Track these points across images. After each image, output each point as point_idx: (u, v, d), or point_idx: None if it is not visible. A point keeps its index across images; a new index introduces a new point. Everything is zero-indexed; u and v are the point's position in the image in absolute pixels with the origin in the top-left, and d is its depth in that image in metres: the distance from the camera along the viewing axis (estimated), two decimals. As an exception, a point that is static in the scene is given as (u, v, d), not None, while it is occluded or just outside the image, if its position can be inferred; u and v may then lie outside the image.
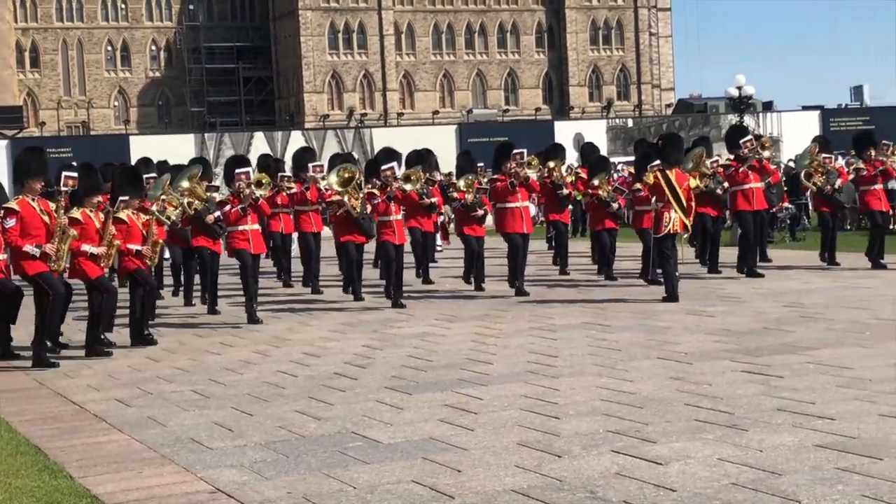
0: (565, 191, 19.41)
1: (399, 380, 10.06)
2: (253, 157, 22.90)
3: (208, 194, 15.92)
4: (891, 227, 24.02)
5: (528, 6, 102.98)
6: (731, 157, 18.62)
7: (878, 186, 18.55)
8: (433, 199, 18.30)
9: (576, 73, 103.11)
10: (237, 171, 15.18)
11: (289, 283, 19.63)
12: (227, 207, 15.01)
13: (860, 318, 12.58)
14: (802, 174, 19.53)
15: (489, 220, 17.96)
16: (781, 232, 25.53)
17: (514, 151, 17.09)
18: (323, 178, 18.47)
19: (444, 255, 23.48)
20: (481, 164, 20.95)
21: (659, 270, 16.41)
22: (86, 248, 12.28)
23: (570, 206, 21.09)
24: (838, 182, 19.03)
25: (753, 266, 17.77)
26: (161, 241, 13.97)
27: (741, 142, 18.07)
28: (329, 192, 17.07)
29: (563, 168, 21.18)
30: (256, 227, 15.14)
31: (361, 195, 16.14)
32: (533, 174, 17.40)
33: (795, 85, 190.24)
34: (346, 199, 16.13)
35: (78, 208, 12.52)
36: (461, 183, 17.78)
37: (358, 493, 6.51)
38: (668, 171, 15.20)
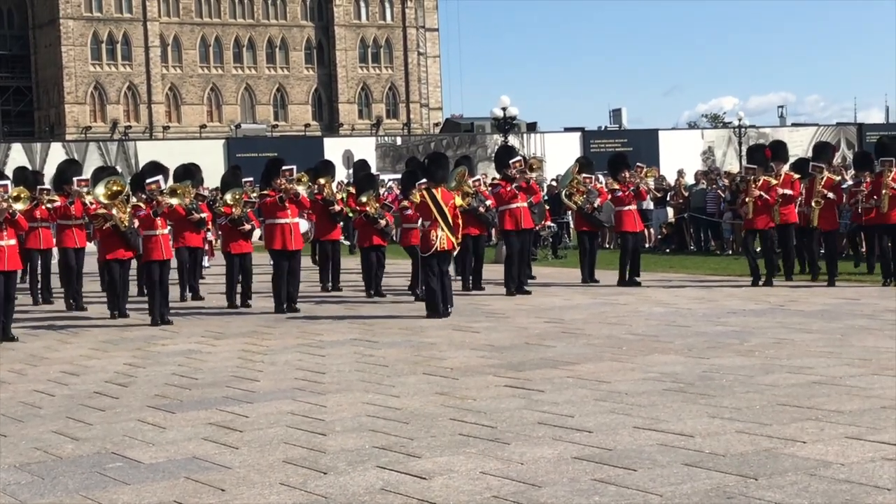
0: (336, 207, 19.45)
1: (162, 398, 9.87)
2: (9, 170, 22.07)
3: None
4: (645, 245, 24.99)
5: (297, 22, 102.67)
6: (500, 176, 19.00)
7: (632, 207, 19.24)
8: (202, 215, 18.08)
9: (345, 91, 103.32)
10: (-7, 184, 14.59)
11: (48, 300, 18.99)
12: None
13: (617, 333, 13.03)
14: (564, 194, 20.13)
15: (256, 235, 17.85)
16: (544, 249, 26.21)
17: (284, 168, 17.06)
18: (88, 193, 17.97)
19: (212, 272, 23.16)
20: (250, 179, 20.79)
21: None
22: None
23: (342, 223, 21.10)
24: (598, 201, 19.68)
25: (524, 283, 18.15)
26: None
27: (510, 162, 18.47)
28: (94, 205, 16.64)
29: (334, 185, 21.21)
30: (13, 242, 14.57)
31: (129, 209, 15.80)
32: (303, 190, 17.39)
33: (558, 107, 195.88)
34: (114, 212, 15.76)
35: None
36: (228, 197, 17.61)
37: (118, 514, 6.36)
38: (433, 190, 15.41)
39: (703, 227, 27.72)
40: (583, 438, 7.69)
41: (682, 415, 8.35)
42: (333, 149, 49.13)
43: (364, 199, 18.54)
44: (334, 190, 20.43)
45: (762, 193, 17.99)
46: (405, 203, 17.68)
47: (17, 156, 43.56)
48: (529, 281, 18.96)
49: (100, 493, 6.77)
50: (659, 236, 28.96)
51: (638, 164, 20.43)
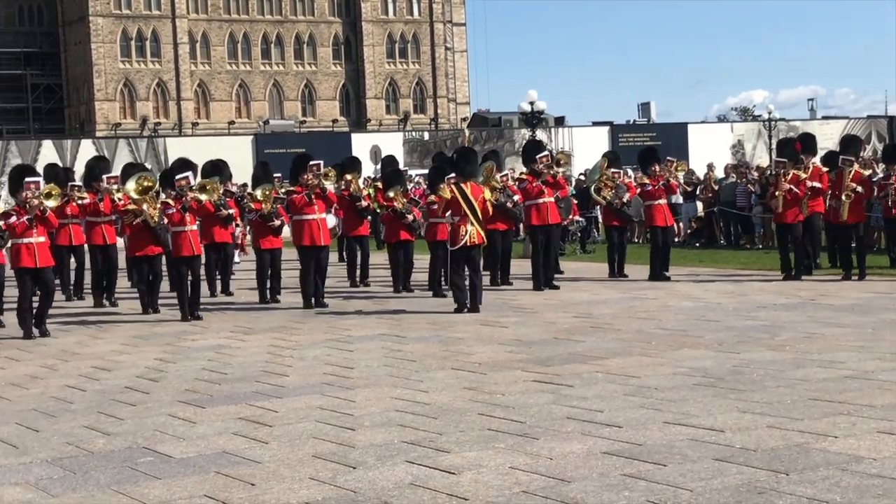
0: (363, 203, 19.48)
1: (192, 393, 9.91)
2: (40, 166, 22.21)
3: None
4: (675, 240, 24.89)
5: (325, 18, 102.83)
6: (526, 171, 18.97)
7: (662, 201, 19.17)
8: (230, 211, 18.14)
9: (373, 86, 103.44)
10: (27, 180, 14.66)
11: (80, 296, 19.08)
12: (13, 219, 14.48)
13: (646, 328, 12.99)
14: (593, 188, 20.09)
15: (286, 231, 17.90)
16: (572, 244, 26.16)
17: (311, 163, 17.09)
18: (117, 191, 18.06)
19: (242, 267, 23.22)
20: (279, 175, 20.83)
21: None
22: None
23: (370, 218, 21.15)
24: (627, 196, 19.63)
25: (551, 279, 18.11)
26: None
27: (537, 157, 18.44)
28: (123, 201, 16.74)
29: (361, 180, 21.23)
30: (43, 239, 14.67)
31: (159, 205, 15.88)
32: (330, 186, 17.43)
33: (586, 101, 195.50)
34: (144, 207, 15.83)
35: None
36: (258, 193, 17.66)
37: (149, 509, 6.39)
38: (462, 185, 15.40)
39: (732, 221, 27.62)
40: (612, 433, 7.68)
41: (713, 410, 8.32)
42: (361, 144, 49.13)
43: (392, 194, 18.56)
44: (361, 185, 20.44)
45: (792, 187, 17.87)
46: (432, 198, 17.68)
47: (48, 153, 43.78)
48: (557, 276, 18.93)
49: (131, 488, 6.81)
50: (688, 230, 28.86)
51: (668, 157, 20.37)
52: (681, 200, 27.70)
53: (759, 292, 16.44)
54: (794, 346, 11.17)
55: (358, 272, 19.96)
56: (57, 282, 19.23)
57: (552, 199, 18.21)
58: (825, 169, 18.77)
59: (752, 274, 19.48)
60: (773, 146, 51.00)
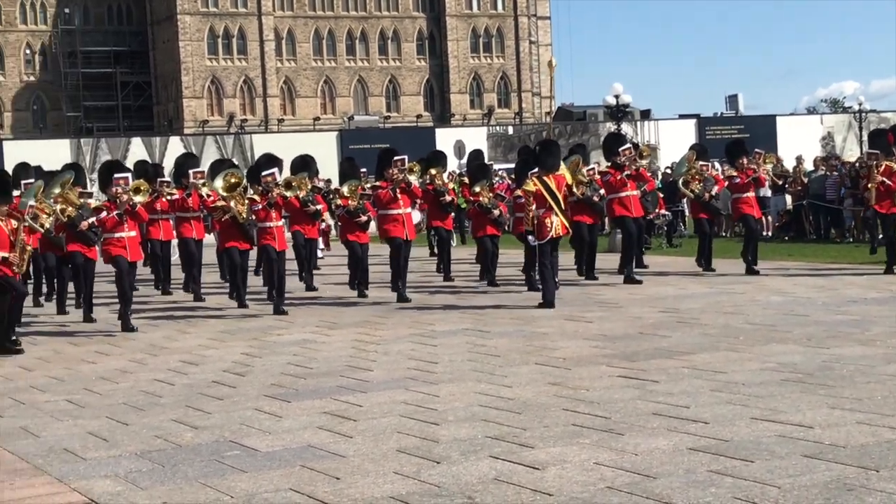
0: (448, 197, 19.51)
1: (278, 387, 9.99)
2: (130, 163, 22.55)
3: (81, 200, 15.63)
4: (764, 233, 24.60)
5: (409, 13, 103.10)
6: (609, 164, 18.87)
7: (751, 194, 18.94)
8: (318, 206, 18.24)
9: (457, 81, 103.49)
10: (116, 175, 14.93)
11: (167, 291, 19.36)
12: (104, 214, 14.75)
13: (733, 323, 12.84)
14: (680, 181, 19.89)
15: (372, 226, 17.98)
16: (658, 238, 25.95)
17: (396, 158, 17.14)
18: (204, 185, 18.29)
19: (326, 262, 23.39)
20: (364, 171, 20.96)
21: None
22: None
23: (454, 213, 21.18)
24: (715, 189, 19.41)
25: (631, 273, 17.99)
26: (30, 247, 13.67)
27: (620, 150, 18.32)
28: (211, 197, 16.93)
29: (445, 175, 21.27)
30: (133, 233, 14.93)
31: (246, 201, 16.05)
32: (415, 180, 17.47)
33: (672, 93, 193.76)
34: (232, 203, 16.00)
35: None
36: (345, 189, 17.75)
37: (235, 502, 6.45)
38: (545, 178, 15.33)
39: (822, 214, 27.19)
40: (698, 429, 7.59)
41: (801, 405, 8.19)
42: (445, 139, 49.22)
43: (478, 188, 18.55)
44: (445, 180, 20.46)
45: (884, 179, 17.53)
46: (518, 192, 17.63)
47: (137, 150, 44.47)
48: (642, 271, 18.80)
49: (218, 481, 6.88)
50: (777, 224, 28.48)
51: (757, 150, 20.10)
52: (769, 193, 27.36)
53: (849, 286, 16.17)
54: (885, 341, 10.96)
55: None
56: (145, 277, 19.62)
57: (635, 193, 18.08)
58: None
59: (843, 268, 19.15)
60: (864, 138, 50.16)
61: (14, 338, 13.09)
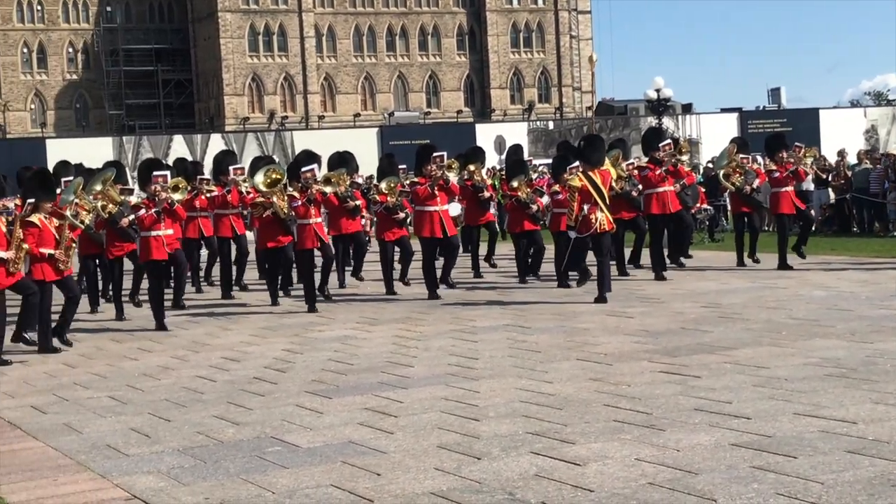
0: (486, 193, 19.46)
1: (319, 384, 10.02)
2: (171, 160, 22.67)
3: (122, 198, 15.73)
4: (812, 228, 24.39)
5: (449, 9, 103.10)
6: (647, 159, 18.76)
7: (789, 188, 18.78)
8: (357, 202, 18.26)
9: (497, 76, 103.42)
10: (155, 173, 15.01)
11: (199, 289, 19.35)
12: (142, 211, 14.81)
13: (776, 317, 12.75)
14: (721, 174, 19.75)
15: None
16: (700, 233, 25.79)
17: (434, 154, 17.12)
18: (244, 181, 18.36)
19: (366, 258, 23.37)
20: (404, 167, 20.93)
21: (572, 273, 16.64)
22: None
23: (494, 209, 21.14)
24: (756, 182, 19.26)
25: (662, 268, 17.91)
26: (75, 245, 13.80)
27: (660, 145, 18.23)
28: (251, 194, 16.99)
29: (484, 171, 21.22)
30: (171, 231, 14.99)
31: (286, 197, 16.11)
32: (453, 177, 17.44)
33: (714, 87, 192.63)
34: (274, 199, 16.05)
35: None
36: (383, 185, 17.76)
37: (276, 497, 6.47)
38: (590, 173, 15.25)
39: (866, 208, 26.95)
40: (741, 425, 7.55)
41: (845, 401, 8.13)
42: (485, 135, 49.08)
43: (515, 183, 18.50)
44: (484, 176, 20.41)
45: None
46: (556, 188, 17.57)
47: (179, 147, 44.64)
48: (685, 264, 18.74)
49: (259, 477, 6.90)
50: (820, 218, 28.25)
51: (797, 143, 19.94)
52: (812, 187, 27.14)
53: (893, 280, 16.01)
54: (931, 336, 10.85)
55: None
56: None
57: (673, 188, 18.00)
58: None
59: (887, 262, 18.97)
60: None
61: (65, 338, 13.31)
